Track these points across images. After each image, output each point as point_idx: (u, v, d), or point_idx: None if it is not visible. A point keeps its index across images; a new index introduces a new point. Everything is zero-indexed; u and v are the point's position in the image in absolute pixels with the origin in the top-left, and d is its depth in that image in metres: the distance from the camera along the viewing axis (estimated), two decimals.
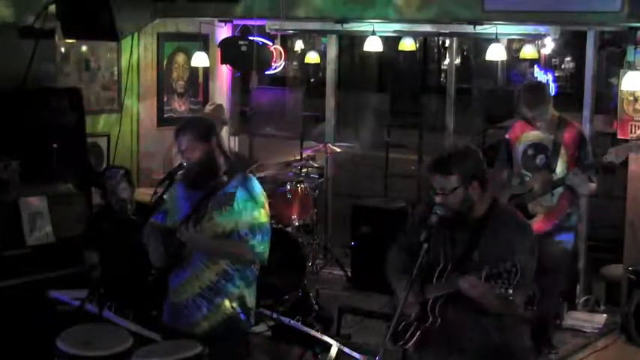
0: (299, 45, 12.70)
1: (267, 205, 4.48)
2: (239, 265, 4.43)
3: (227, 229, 4.36)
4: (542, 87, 6.55)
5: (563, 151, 6.24)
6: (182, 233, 4.32)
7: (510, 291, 3.61)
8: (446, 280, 3.86)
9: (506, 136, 6.57)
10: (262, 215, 4.41)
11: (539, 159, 6.32)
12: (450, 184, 3.84)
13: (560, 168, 6.23)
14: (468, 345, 3.92)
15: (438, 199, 3.88)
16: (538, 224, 6.09)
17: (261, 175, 8.12)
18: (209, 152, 4.40)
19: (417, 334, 3.94)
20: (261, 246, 4.38)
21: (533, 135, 6.35)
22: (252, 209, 4.37)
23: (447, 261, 3.89)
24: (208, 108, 8.56)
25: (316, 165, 8.67)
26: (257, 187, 4.47)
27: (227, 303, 4.44)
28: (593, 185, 6.14)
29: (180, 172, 4.46)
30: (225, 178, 4.41)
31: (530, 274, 3.82)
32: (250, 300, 4.54)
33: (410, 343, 3.96)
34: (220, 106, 8.67)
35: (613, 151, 5.94)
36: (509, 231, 3.87)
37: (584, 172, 6.10)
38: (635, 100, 7.07)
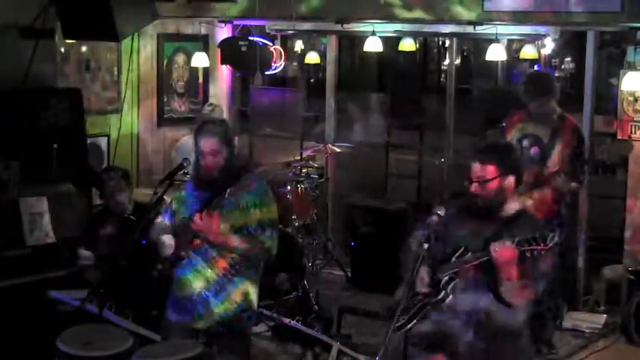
0: (299, 45, 12.69)
1: (274, 203, 4.54)
2: (246, 261, 4.46)
3: (237, 225, 4.40)
4: (547, 78, 6.50)
5: (558, 146, 6.24)
6: (196, 223, 4.33)
7: (545, 253, 3.68)
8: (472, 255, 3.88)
9: (502, 124, 6.55)
10: (271, 211, 4.47)
11: (534, 151, 6.31)
12: (487, 173, 3.91)
13: (552, 163, 6.23)
14: (468, 325, 3.94)
15: (473, 187, 3.91)
16: None
17: (260, 174, 8.11)
18: (231, 155, 4.43)
19: (423, 311, 3.95)
20: (270, 241, 4.43)
21: (530, 126, 6.35)
22: (262, 206, 4.43)
23: (467, 248, 3.92)
24: (207, 109, 8.52)
25: (316, 165, 8.66)
26: (264, 186, 4.55)
27: (231, 299, 4.46)
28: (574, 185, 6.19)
29: (191, 173, 4.51)
30: (234, 179, 4.44)
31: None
32: (254, 298, 4.56)
33: (413, 322, 3.96)
34: (219, 107, 8.64)
35: (604, 150, 5.96)
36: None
37: (577, 172, 6.13)
38: (635, 100, 7.07)
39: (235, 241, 4.41)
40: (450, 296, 3.92)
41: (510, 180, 3.95)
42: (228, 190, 4.37)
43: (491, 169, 3.92)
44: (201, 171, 4.46)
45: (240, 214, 4.40)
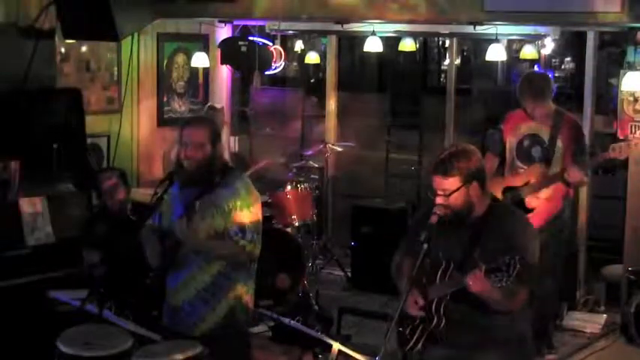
0: (299, 45, 12.67)
1: (258, 204, 4.47)
2: (233, 265, 4.43)
3: (219, 229, 4.35)
4: (544, 78, 6.44)
5: (559, 144, 6.23)
6: (177, 231, 4.32)
7: (510, 283, 3.63)
8: (449, 279, 3.87)
9: (501, 126, 6.54)
10: (252, 214, 4.40)
11: (535, 151, 6.30)
12: (450, 185, 3.86)
13: (555, 161, 6.22)
14: (471, 344, 3.93)
15: (438, 200, 3.88)
16: (533, 219, 6.09)
17: (261, 174, 8.12)
18: (212, 155, 4.39)
19: (424, 337, 3.95)
20: (250, 245, 4.38)
21: (529, 126, 6.33)
22: (242, 208, 4.36)
23: (449, 261, 3.90)
24: (209, 112, 8.47)
25: (316, 165, 8.67)
26: (247, 187, 4.46)
27: (224, 303, 4.44)
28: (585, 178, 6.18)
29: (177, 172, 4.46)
30: (217, 179, 4.41)
31: (532, 269, 3.82)
32: (248, 299, 4.54)
33: (417, 347, 3.97)
34: (220, 112, 8.61)
35: (616, 147, 5.92)
36: (509, 228, 3.87)
37: (585, 165, 6.12)
38: (635, 100, 7.07)
39: (216, 247, 4.38)
40: (443, 320, 3.91)
41: (475, 186, 3.88)
42: (210, 193, 4.34)
43: (453, 181, 3.84)
44: (181, 164, 4.41)
45: (221, 217, 4.34)
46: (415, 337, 3.96)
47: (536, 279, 3.95)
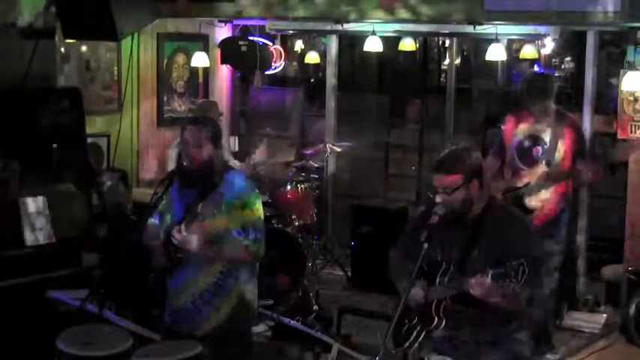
0: (299, 45, 12.67)
1: (259, 203, 4.48)
2: (236, 265, 4.43)
3: (220, 231, 4.35)
4: (546, 79, 6.45)
5: (560, 144, 6.23)
6: (175, 237, 4.31)
7: (518, 288, 3.62)
8: (449, 281, 3.87)
9: (501, 127, 6.54)
10: (254, 213, 4.40)
11: (536, 151, 6.31)
12: (451, 183, 3.86)
13: (556, 162, 6.22)
14: (470, 344, 3.93)
15: (439, 198, 3.89)
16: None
17: (261, 174, 8.12)
18: (214, 156, 4.39)
19: (422, 336, 3.95)
20: (255, 244, 4.38)
21: (529, 127, 6.33)
22: (243, 208, 4.36)
23: (449, 262, 3.90)
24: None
25: (316, 165, 8.67)
26: (247, 186, 4.46)
27: (227, 303, 4.44)
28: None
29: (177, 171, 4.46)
30: (218, 179, 4.41)
31: (532, 270, 3.82)
32: (251, 298, 4.54)
33: (414, 346, 3.97)
34: (214, 103, 8.59)
35: (619, 151, 5.94)
36: (508, 228, 3.88)
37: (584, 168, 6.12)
38: (635, 100, 7.07)
39: (218, 248, 4.38)
40: (444, 321, 3.90)
41: (475, 184, 3.91)
42: (211, 193, 4.34)
43: (455, 179, 3.87)
44: (182, 163, 4.41)
45: (223, 218, 4.35)
46: (412, 337, 3.97)
47: (538, 279, 3.93)
